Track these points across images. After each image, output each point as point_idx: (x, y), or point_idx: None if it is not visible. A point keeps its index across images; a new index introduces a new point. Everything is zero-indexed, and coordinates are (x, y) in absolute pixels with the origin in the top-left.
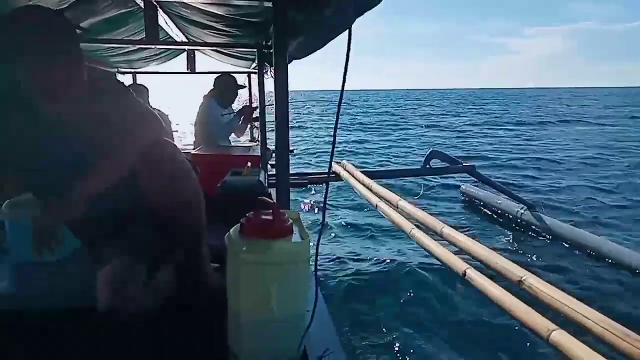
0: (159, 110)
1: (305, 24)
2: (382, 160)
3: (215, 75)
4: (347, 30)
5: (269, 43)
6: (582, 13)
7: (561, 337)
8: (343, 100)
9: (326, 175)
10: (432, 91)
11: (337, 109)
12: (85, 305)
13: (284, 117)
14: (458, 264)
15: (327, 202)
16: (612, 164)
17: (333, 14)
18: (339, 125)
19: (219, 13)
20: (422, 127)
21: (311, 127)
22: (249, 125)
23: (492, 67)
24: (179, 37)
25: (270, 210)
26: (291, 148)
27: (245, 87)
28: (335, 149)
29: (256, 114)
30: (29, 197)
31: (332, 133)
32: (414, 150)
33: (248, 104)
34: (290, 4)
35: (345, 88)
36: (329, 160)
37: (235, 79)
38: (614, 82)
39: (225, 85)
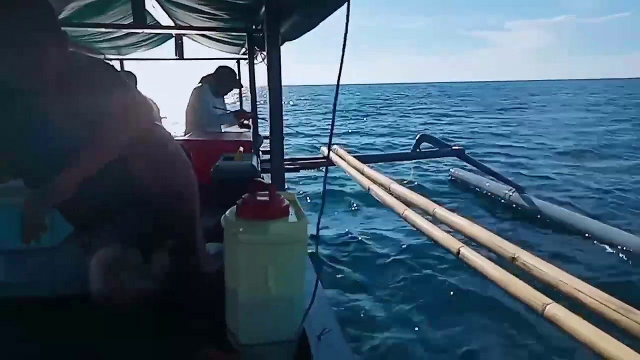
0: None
1: (298, 3)
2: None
3: (210, 63)
4: (341, 8)
5: (260, 27)
6: (562, 7)
7: (556, 310)
8: (324, 92)
9: (318, 160)
10: (413, 85)
11: (335, 92)
12: (78, 292)
13: (278, 100)
14: (452, 242)
15: (320, 186)
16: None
17: None
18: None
19: None
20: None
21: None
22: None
23: (475, 60)
24: (167, 21)
25: (266, 192)
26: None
27: (243, 86)
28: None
29: (248, 121)
30: (17, 184)
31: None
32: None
33: (239, 96)
34: None
35: (322, 83)
36: (317, 145)
37: (236, 75)
38: (595, 74)
39: (225, 77)
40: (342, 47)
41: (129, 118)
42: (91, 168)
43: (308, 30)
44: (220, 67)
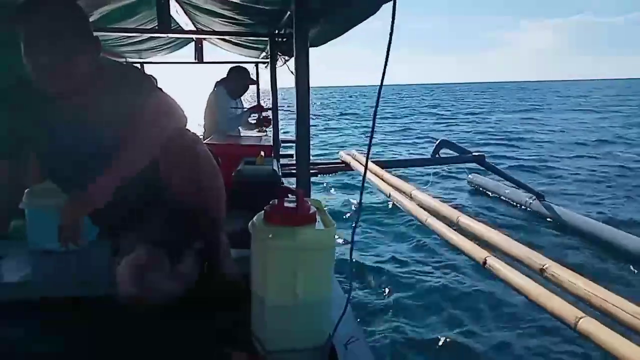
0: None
1: (329, 10)
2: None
3: (229, 66)
4: (372, 16)
5: (282, 32)
6: (576, 6)
7: (590, 325)
8: (343, 96)
9: (336, 165)
10: (428, 85)
11: (376, 98)
12: (105, 293)
13: (305, 106)
14: (478, 252)
15: (338, 190)
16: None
17: None
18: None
19: (233, 1)
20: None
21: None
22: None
23: (490, 60)
24: (188, 25)
25: (292, 198)
26: (288, 138)
27: (256, 82)
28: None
29: (266, 114)
30: (48, 186)
31: (330, 125)
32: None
33: (256, 96)
34: None
35: (337, 84)
36: (336, 150)
37: (249, 73)
38: (613, 74)
39: (238, 77)
40: (385, 53)
41: (162, 121)
42: (128, 172)
43: (336, 37)
44: (231, 69)
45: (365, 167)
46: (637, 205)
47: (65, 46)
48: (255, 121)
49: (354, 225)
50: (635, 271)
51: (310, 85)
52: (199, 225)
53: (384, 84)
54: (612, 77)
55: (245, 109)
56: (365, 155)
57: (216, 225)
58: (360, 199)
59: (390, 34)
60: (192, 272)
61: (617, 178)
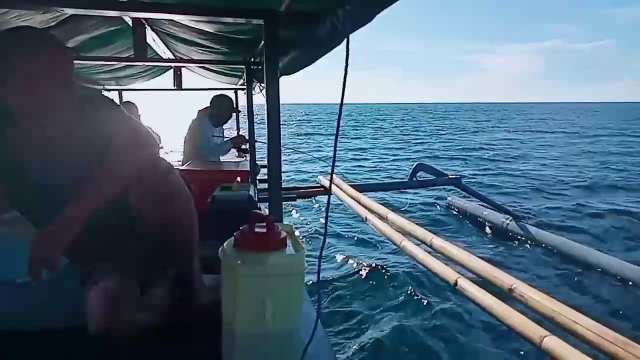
0: (149, 128)
1: (297, 41)
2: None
3: (208, 93)
4: (339, 45)
5: (258, 60)
6: (550, 32)
7: (554, 343)
8: (326, 115)
9: (314, 189)
10: (404, 105)
11: (337, 122)
12: (75, 324)
13: (276, 132)
14: (449, 273)
15: (315, 215)
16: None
17: (327, 31)
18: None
19: (208, 30)
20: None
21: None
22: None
23: (466, 83)
24: (166, 54)
25: (263, 224)
26: (265, 163)
27: (240, 111)
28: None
29: (246, 146)
30: (13, 215)
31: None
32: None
33: (236, 123)
34: (283, 22)
35: (317, 101)
36: (312, 172)
37: (232, 101)
38: (586, 98)
39: (221, 106)
40: (342, 84)
41: (134, 149)
42: (99, 200)
43: (306, 66)
44: (215, 97)
45: (330, 187)
46: None
47: (45, 80)
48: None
49: (320, 249)
50: (610, 288)
51: (296, 102)
52: (171, 254)
53: (344, 102)
54: (578, 100)
55: (227, 139)
56: (345, 180)
57: (189, 254)
58: (326, 223)
59: (346, 67)
60: (164, 301)
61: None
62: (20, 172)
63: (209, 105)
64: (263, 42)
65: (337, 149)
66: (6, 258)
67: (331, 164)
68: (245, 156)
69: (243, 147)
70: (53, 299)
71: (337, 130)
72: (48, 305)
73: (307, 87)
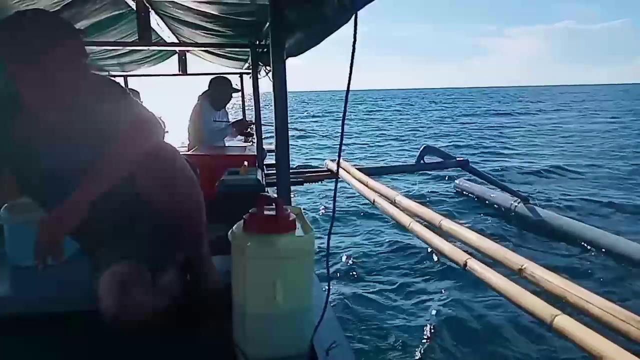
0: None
1: (304, 21)
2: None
3: (210, 77)
4: (347, 23)
5: (263, 42)
6: (560, 13)
7: (565, 322)
8: (335, 101)
9: (322, 173)
10: (414, 90)
11: (344, 106)
12: (86, 310)
13: (283, 115)
14: (458, 255)
15: (323, 199)
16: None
17: (334, 9)
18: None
19: (213, 13)
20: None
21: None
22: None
23: (476, 67)
24: (171, 38)
25: (272, 206)
26: (272, 147)
27: (239, 90)
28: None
29: (250, 130)
30: (27, 201)
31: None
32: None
33: (241, 108)
34: (289, 1)
35: (324, 88)
36: (323, 157)
37: (231, 82)
38: (598, 80)
39: (220, 88)
40: (349, 63)
41: (140, 134)
42: (103, 186)
43: (313, 46)
44: (213, 80)
45: (337, 170)
46: None
47: (50, 62)
48: (239, 134)
49: (329, 229)
50: (619, 269)
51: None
52: (179, 238)
53: (350, 89)
54: (590, 82)
55: (229, 123)
56: (353, 163)
57: (197, 238)
58: (334, 205)
59: (354, 44)
60: (175, 285)
61: None
62: (29, 157)
63: (206, 90)
64: (268, 23)
65: (346, 133)
66: (20, 243)
67: (339, 147)
68: (252, 141)
69: (247, 131)
70: (66, 283)
71: (344, 112)
72: (61, 289)
73: (313, 73)
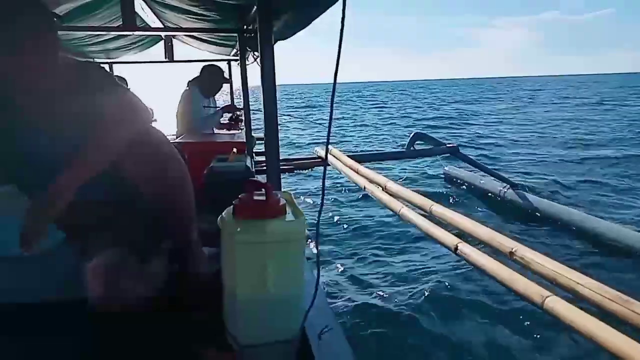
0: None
1: (291, 2)
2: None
3: (199, 65)
4: (336, 4)
5: (250, 27)
6: (545, 4)
7: (556, 303)
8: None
9: (312, 160)
10: (400, 82)
11: (331, 93)
12: (72, 298)
13: (272, 100)
14: (449, 239)
15: (314, 185)
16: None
17: None
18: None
19: None
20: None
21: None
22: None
23: (464, 57)
24: (156, 23)
25: (262, 192)
26: (261, 135)
27: (230, 81)
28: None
29: (239, 113)
30: (8, 189)
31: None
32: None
33: (229, 95)
34: None
35: (312, 82)
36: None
37: (223, 72)
38: (581, 70)
39: (211, 76)
40: (338, 47)
41: (125, 119)
42: (89, 171)
43: (301, 29)
44: (204, 67)
45: (325, 158)
46: None
47: (29, 48)
48: (227, 121)
49: (318, 212)
50: (605, 253)
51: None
52: (168, 225)
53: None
54: (578, 72)
55: (218, 108)
56: (343, 151)
57: (186, 224)
58: (322, 194)
59: (341, 30)
60: (163, 272)
61: None
62: (11, 144)
63: (196, 77)
64: (255, 7)
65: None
66: (3, 232)
67: (327, 132)
68: (241, 128)
69: (237, 114)
70: (51, 272)
71: (332, 99)
72: (46, 279)
73: (302, 68)
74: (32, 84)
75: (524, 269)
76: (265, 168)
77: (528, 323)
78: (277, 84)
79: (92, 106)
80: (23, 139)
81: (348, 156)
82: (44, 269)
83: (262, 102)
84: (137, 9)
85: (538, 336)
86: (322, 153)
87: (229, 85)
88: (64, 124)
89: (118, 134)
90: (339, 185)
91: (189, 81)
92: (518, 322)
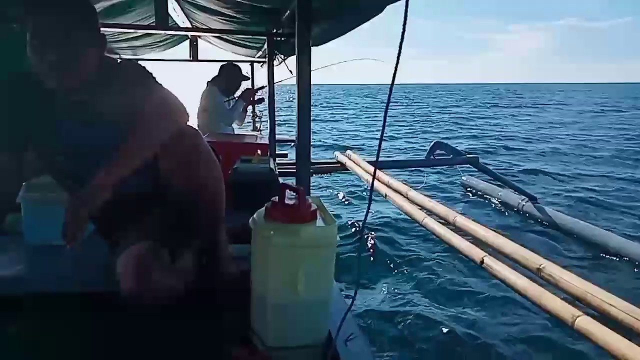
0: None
1: (333, 9)
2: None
3: (220, 64)
4: (379, 14)
5: (281, 31)
6: (562, 10)
7: (588, 323)
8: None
9: (331, 165)
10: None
11: (387, 99)
12: (103, 290)
13: (306, 104)
14: (475, 252)
15: (332, 190)
16: None
17: None
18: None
19: None
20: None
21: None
22: (249, 113)
23: (480, 63)
24: (184, 23)
25: (293, 196)
26: (292, 137)
27: (249, 78)
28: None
29: (258, 95)
30: (46, 180)
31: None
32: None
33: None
34: None
35: (331, 82)
36: (333, 150)
37: (241, 69)
38: (599, 79)
39: (230, 75)
40: (398, 48)
41: (163, 117)
42: (127, 169)
43: (338, 36)
44: (223, 67)
45: (374, 172)
46: None
47: (75, 42)
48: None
49: (363, 222)
50: (627, 271)
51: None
52: (199, 222)
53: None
54: (593, 80)
55: (236, 98)
56: (362, 156)
57: (216, 222)
58: (369, 202)
59: (402, 34)
60: (192, 269)
61: None
62: (54, 137)
63: (216, 76)
64: (289, 11)
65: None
66: (40, 222)
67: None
68: (261, 130)
69: (255, 98)
70: (83, 264)
71: (387, 107)
72: (78, 270)
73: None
74: (81, 79)
75: (552, 286)
76: (286, 170)
77: (557, 342)
78: (288, 83)
79: (131, 103)
80: (66, 134)
81: (367, 162)
82: (76, 260)
83: (295, 106)
84: (169, 9)
85: (567, 355)
86: (342, 158)
87: (250, 85)
88: (106, 121)
89: (156, 132)
90: (358, 191)
91: (209, 81)
92: (546, 340)
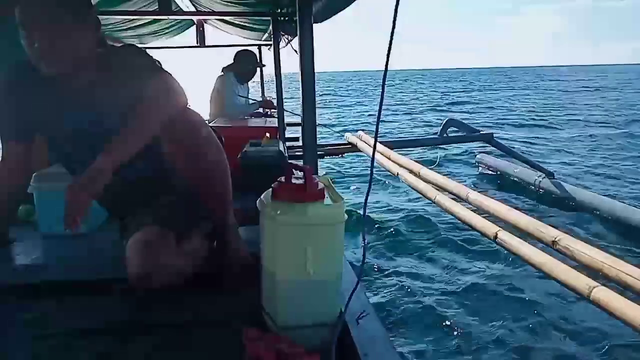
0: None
1: None
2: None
3: (231, 49)
4: None
5: (285, 10)
6: None
7: (604, 294)
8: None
9: (342, 146)
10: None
11: (382, 80)
12: (115, 276)
13: (310, 85)
14: (488, 227)
15: (345, 172)
16: None
17: None
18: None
19: None
20: None
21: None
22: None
23: (490, 45)
24: (189, 8)
25: (300, 175)
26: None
27: (265, 65)
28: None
29: (273, 112)
30: (57, 169)
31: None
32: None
33: (260, 79)
34: None
35: (334, 69)
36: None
37: (256, 56)
38: (613, 60)
39: (245, 62)
40: (391, 29)
41: (166, 100)
42: (127, 152)
43: (339, 11)
44: (238, 52)
45: (374, 148)
46: None
47: (61, 26)
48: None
49: (364, 205)
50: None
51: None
52: (205, 206)
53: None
54: (612, 62)
55: (255, 102)
56: (373, 136)
57: (223, 204)
58: (370, 181)
59: (394, 16)
60: (201, 250)
61: None
62: (59, 124)
63: (232, 62)
64: None
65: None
66: (49, 211)
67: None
68: (273, 114)
69: (271, 111)
70: (96, 251)
71: (383, 90)
72: (91, 257)
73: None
74: (66, 63)
75: (568, 259)
76: (297, 153)
77: (573, 313)
78: (292, 71)
79: (133, 88)
80: (70, 120)
81: (379, 142)
82: (89, 247)
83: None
84: None
85: (584, 327)
86: (353, 139)
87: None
88: (109, 105)
89: (157, 115)
90: (368, 171)
91: (224, 67)
92: (563, 312)
